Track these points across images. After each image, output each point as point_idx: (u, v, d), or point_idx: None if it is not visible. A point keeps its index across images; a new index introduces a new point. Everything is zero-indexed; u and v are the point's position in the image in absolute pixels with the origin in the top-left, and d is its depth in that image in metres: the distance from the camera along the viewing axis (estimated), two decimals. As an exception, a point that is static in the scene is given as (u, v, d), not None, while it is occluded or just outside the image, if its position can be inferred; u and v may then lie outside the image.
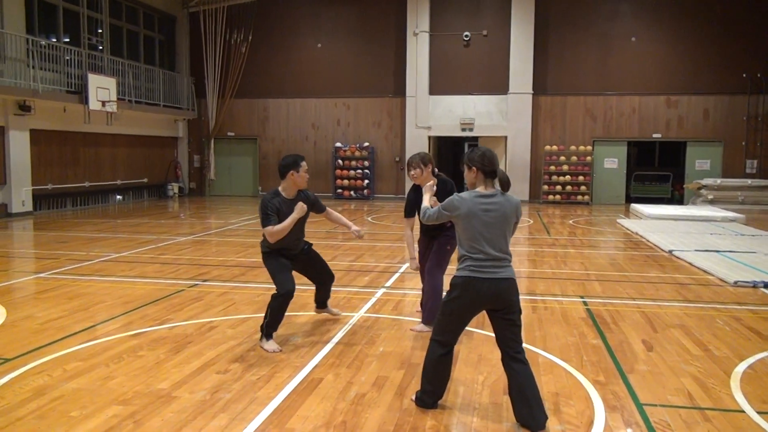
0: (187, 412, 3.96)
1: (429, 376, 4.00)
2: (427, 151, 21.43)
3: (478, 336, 5.66)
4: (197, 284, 7.85)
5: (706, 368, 4.87)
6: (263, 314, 5.32)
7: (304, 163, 5.34)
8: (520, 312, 3.84)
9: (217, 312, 6.47)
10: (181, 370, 4.73)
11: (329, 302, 6.08)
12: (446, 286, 4.38)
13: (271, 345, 5.23)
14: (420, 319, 5.92)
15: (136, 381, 4.49)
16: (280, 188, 5.40)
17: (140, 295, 7.24)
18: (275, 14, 22.53)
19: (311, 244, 5.74)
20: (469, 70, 21.36)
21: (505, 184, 3.85)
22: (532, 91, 20.80)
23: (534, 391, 3.73)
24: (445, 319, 3.90)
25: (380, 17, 21.95)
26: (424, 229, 5.76)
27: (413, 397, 4.12)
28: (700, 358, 5.12)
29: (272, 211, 5.23)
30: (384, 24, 21.93)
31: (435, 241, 5.79)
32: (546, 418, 3.73)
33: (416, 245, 5.98)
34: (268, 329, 5.28)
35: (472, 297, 3.77)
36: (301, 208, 5.23)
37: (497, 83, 21.07)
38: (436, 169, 5.76)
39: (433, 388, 4.01)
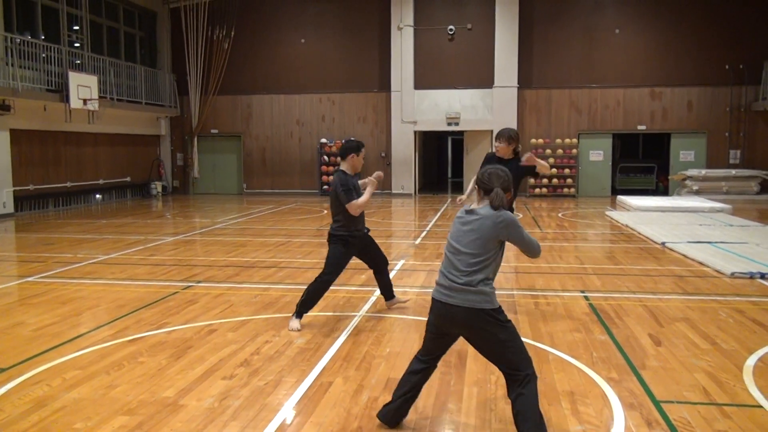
0: (196, 421, 3.83)
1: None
2: (413, 146, 21.38)
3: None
4: (191, 286, 7.69)
5: (717, 362, 4.83)
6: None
7: (363, 150, 5.89)
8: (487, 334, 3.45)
9: (215, 314, 6.33)
10: (185, 376, 4.59)
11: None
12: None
13: (293, 323, 5.69)
14: None
15: (140, 389, 4.35)
16: (343, 168, 5.82)
17: (133, 298, 7.07)
18: (258, 10, 22.26)
19: (369, 229, 6.06)
20: (454, 64, 21.28)
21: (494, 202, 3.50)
22: (517, 85, 20.77)
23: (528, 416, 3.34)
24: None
25: (364, 12, 21.77)
26: None
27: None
28: (709, 352, 5.09)
29: (352, 186, 5.70)
30: (368, 18, 21.75)
31: None
32: None
33: None
34: (301, 309, 5.70)
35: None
36: (375, 181, 5.74)
37: (482, 77, 21.01)
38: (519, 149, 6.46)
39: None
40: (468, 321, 3.40)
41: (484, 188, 3.56)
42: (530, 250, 3.61)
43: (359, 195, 5.69)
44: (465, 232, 3.49)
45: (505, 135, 6.25)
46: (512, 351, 3.40)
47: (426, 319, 3.71)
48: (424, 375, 3.73)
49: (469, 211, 3.55)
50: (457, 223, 3.57)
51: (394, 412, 3.71)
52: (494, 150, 6.35)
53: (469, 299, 3.38)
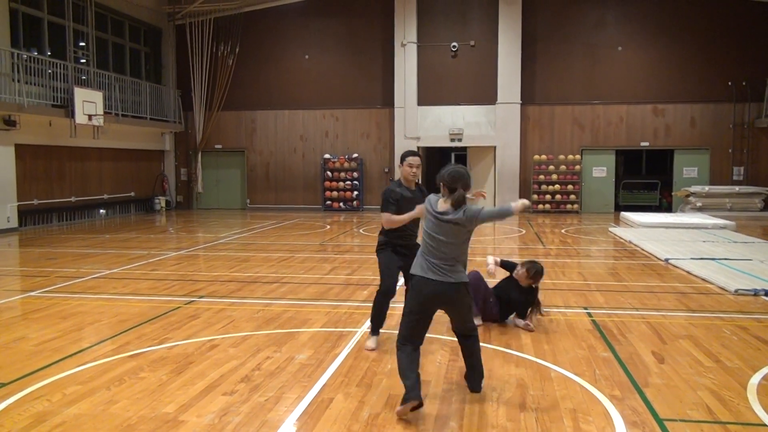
0: (196, 437, 3.82)
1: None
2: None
3: (484, 350, 5.57)
4: (193, 301, 7.69)
5: (721, 380, 4.80)
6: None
7: (410, 158, 5.57)
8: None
9: (217, 330, 6.32)
10: (185, 392, 4.58)
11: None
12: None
13: (370, 342, 5.59)
14: None
15: (140, 405, 4.33)
16: (401, 179, 5.62)
17: (135, 313, 7.06)
18: (262, 26, 22.43)
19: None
20: (458, 81, 21.37)
21: (456, 202, 4.15)
22: (520, 101, 20.83)
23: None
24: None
25: (368, 28, 21.92)
26: None
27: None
28: (712, 369, 5.06)
29: (393, 199, 5.45)
30: (371, 35, 21.90)
31: None
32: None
33: None
34: (372, 325, 5.64)
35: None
36: (420, 210, 5.24)
37: (485, 93, 21.09)
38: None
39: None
40: (452, 294, 4.22)
41: (448, 187, 4.20)
42: (500, 217, 4.39)
43: (400, 207, 5.39)
44: (441, 226, 4.20)
45: (540, 271, 6.39)
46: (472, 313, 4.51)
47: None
48: (418, 355, 4.27)
49: (442, 212, 4.19)
50: (432, 219, 4.23)
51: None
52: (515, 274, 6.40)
53: (453, 276, 4.19)
